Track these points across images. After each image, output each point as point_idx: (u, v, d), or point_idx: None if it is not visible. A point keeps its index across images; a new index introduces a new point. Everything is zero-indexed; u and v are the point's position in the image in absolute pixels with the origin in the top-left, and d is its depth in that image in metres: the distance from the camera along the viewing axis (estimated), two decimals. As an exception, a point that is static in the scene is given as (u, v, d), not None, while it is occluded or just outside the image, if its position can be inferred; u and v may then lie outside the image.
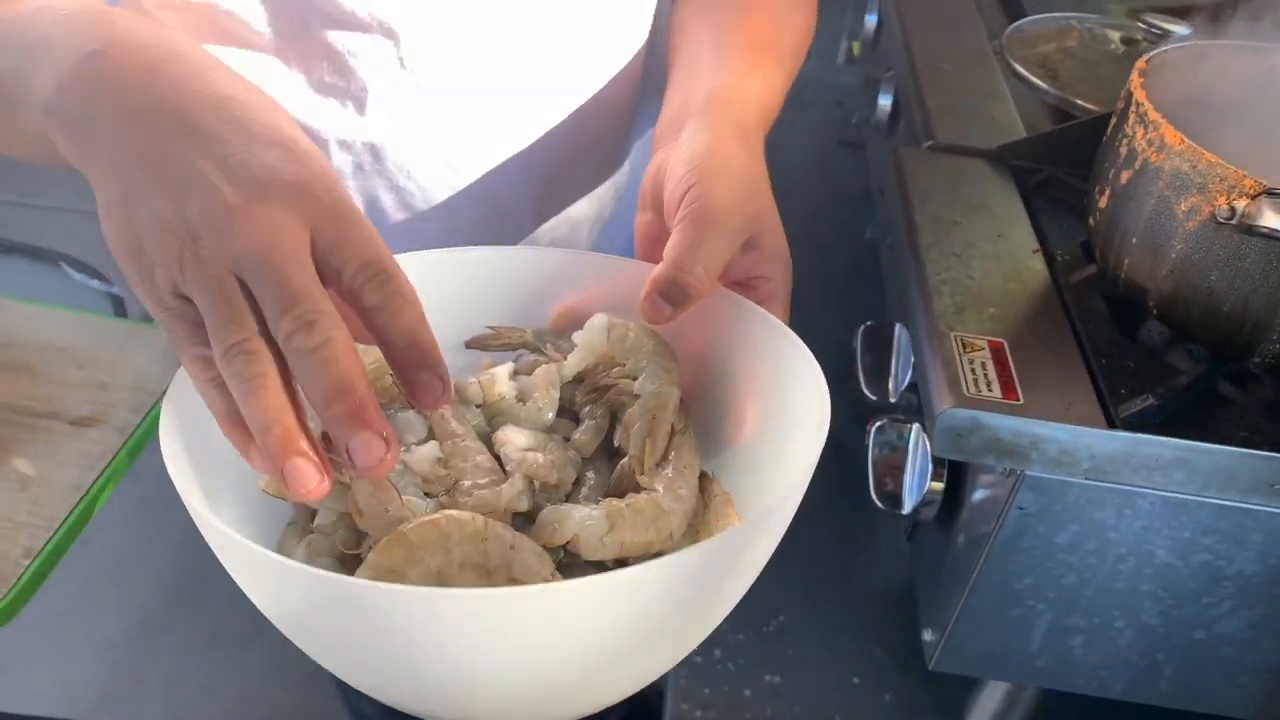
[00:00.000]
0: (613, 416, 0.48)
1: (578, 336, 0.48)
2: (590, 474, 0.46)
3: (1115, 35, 1.00)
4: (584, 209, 0.71)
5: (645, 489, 0.43)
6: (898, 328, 0.80)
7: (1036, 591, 0.69)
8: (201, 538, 0.41)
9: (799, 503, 0.39)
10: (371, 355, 0.47)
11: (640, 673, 0.40)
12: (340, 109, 0.60)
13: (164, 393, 0.95)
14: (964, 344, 0.65)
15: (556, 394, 0.48)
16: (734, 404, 0.48)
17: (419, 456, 0.43)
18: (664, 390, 0.46)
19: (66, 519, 0.80)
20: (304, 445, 0.35)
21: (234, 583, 0.43)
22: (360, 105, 0.60)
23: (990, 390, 0.62)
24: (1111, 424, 0.61)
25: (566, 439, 0.47)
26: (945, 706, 0.89)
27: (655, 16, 0.68)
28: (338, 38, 0.57)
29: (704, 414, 0.49)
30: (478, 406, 0.48)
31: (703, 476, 0.45)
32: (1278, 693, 0.72)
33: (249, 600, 0.45)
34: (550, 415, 0.47)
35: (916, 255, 0.73)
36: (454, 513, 0.39)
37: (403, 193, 0.64)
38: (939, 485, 0.70)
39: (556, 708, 0.40)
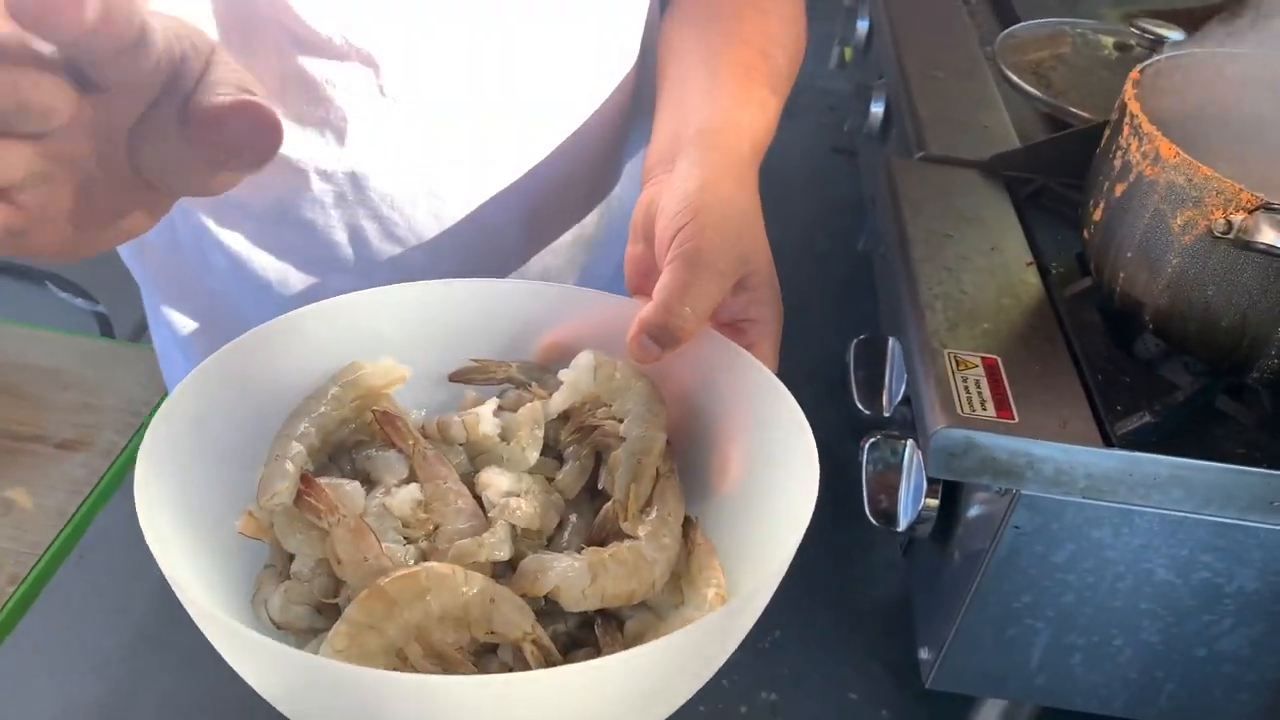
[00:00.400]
0: (597, 456, 0.47)
1: (564, 374, 0.47)
2: (573, 516, 0.45)
3: (1108, 41, 0.99)
4: (573, 232, 0.70)
5: (629, 536, 0.42)
6: (891, 341, 0.79)
7: (1034, 610, 0.68)
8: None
9: (772, 593, 0.38)
10: (353, 391, 0.46)
11: None
12: (320, 139, 0.58)
13: (150, 414, 0.94)
14: (957, 362, 0.64)
15: (540, 434, 0.47)
16: (718, 449, 0.47)
17: (399, 499, 0.42)
18: (650, 434, 0.45)
19: (51, 545, 0.80)
20: None
21: None
22: (340, 135, 0.58)
23: (985, 409, 0.61)
24: (1108, 442, 0.60)
25: (550, 479, 0.46)
26: (943, 722, 0.88)
27: (646, 29, 0.66)
28: (315, 67, 0.56)
29: (688, 456, 0.48)
30: (460, 445, 0.47)
31: (686, 522, 0.44)
32: (1279, 709, 0.71)
33: None
34: (534, 455, 0.46)
35: (909, 270, 0.72)
36: (434, 565, 0.38)
37: (386, 222, 0.62)
38: (934, 502, 0.69)
39: None
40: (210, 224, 0.64)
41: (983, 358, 0.65)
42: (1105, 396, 0.63)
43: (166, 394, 1.02)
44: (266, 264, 0.65)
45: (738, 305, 0.48)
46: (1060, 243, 0.78)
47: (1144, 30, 0.93)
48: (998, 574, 0.66)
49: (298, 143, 0.59)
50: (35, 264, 1.27)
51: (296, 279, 0.66)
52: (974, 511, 0.68)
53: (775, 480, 0.43)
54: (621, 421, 0.46)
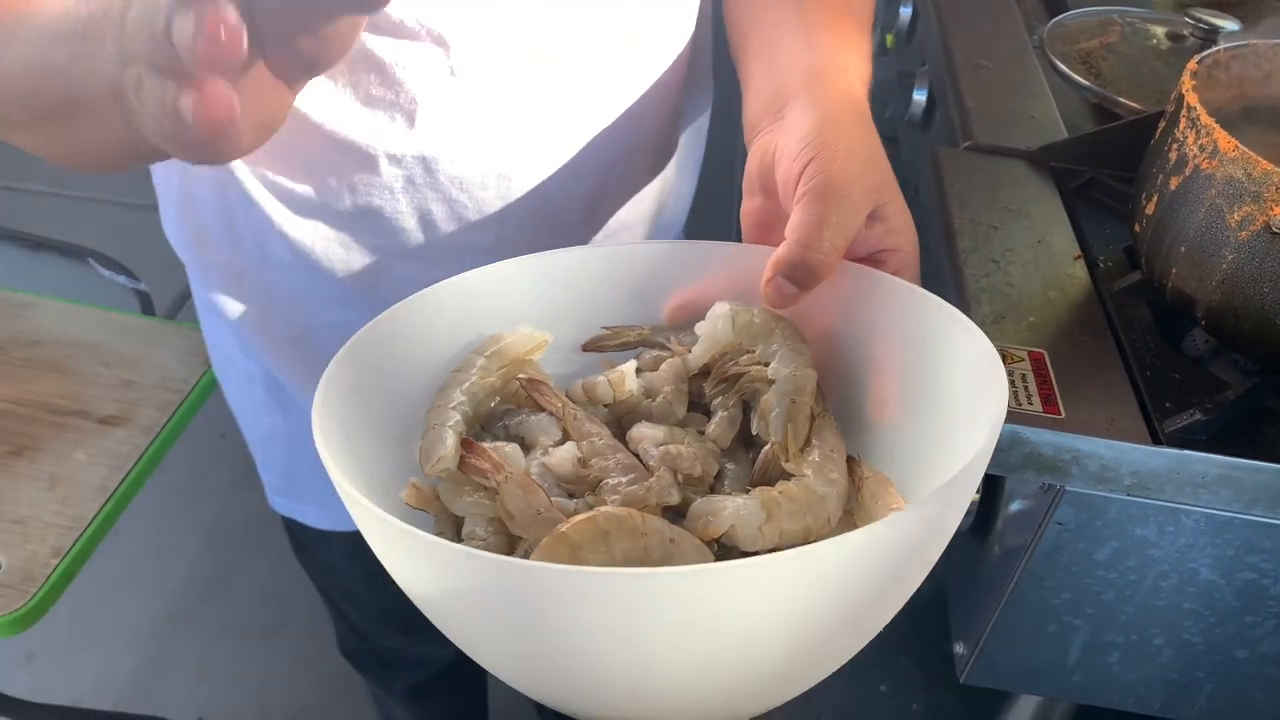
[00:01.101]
0: (745, 406, 0.46)
1: (700, 327, 0.46)
2: (730, 465, 0.44)
3: (1160, 30, 0.97)
4: (631, 208, 0.70)
5: (794, 475, 0.41)
6: (932, 333, 0.78)
7: (1074, 607, 0.67)
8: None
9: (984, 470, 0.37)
10: (499, 361, 0.46)
11: (818, 664, 0.38)
12: (390, 123, 0.58)
13: (190, 391, 0.96)
14: (1003, 355, 0.63)
15: (685, 388, 0.46)
16: (873, 384, 0.46)
17: (558, 458, 0.42)
18: (800, 372, 0.43)
19: (94, 519, 0.81)
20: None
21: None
22: (410, 118, 0.58)
23: (1031, 404, 0.60)
24: (1156, 440, 0.59)
25: (700, 433, 0.45)
26: (974, 717, 0.88)
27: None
28: (385, 49, 0.55)
29: (840, 398, 0.46)
30: (605, 406, 0.46)
31: (849, 460, 0.43)
32: (1322, 713, 0.70)
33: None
34: (681, 410, 0.45)
35: (954, 261, 0.71)
36: (610, 509, 0.37)
37: (455, 204, 0.62)
38: (975, 496, 0.68)
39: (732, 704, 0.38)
40: (274, 217, 0.64)
41: (1029, 351, 0.64)
42: (1154, 393, 0.62)
43: (208, 372, 1.04)
44: (332, 255, 0.65)
45: (873, 238, 0.47)
46: (1109, 236, 0.76)
47: (1198, 20, 0.91)
48: (1038, 570, 0.66)
49: (367, 127, 0.59)
50: (78, 236, 1.28)
51: (362, 267, 0.66)
52: (1015, 506, 0.67)
53: (952, 394, 0.41)
54: (767, 365, 0.44)
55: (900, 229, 0.47)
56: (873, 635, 0.38)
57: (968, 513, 0.68)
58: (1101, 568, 0.65)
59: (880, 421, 0.46)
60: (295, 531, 0.94)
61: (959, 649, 0.74)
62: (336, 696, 1.47)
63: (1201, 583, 0.65)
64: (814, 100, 0.49)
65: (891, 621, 1.06)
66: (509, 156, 0.61)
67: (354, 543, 0.94)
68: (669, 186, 0.73)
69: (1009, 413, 0.60)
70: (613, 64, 0.62)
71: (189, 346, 0.96)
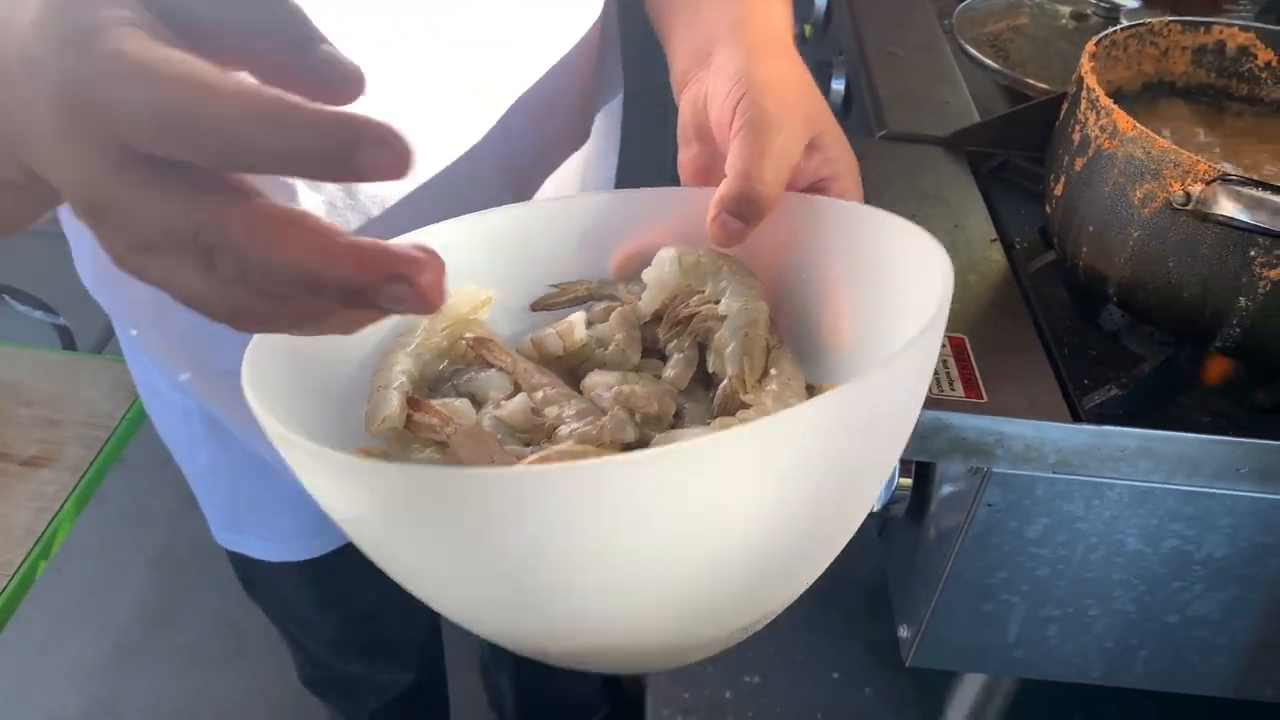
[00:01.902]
0: (701, 349, 0.45)
1: (647, 274, 0.45)
2: (689, 404, 0.43)
3: (1065, 11, 0.99)
4: (555, 189, 0.70)
5: (754, 405, 0.40)
6: (860, 322, 0.79)
7: (1009, 585, 0.69)
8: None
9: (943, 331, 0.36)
10: (443, 321, 0.44)
11: (791, 574, 0.36)
12: None
13: (117, 426, 0.93)
14: (924, 343, 0.64)
15: (638, 334, 0.45)
16: (828, 308, 0.45)
17: (510, 410, 0.41)
18: (752, 305, 0.42)
19: (21, 565, 0.79)
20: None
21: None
22: None
23: (953, 389, 0.61)
24: (1076, 417, 0.61)
25: (657, 377, 0.44)
26: (926, 697, 0.89)
27: None
28: None
29: (795, 329, 0.45)
30: (558, 359, 0.45)
31: (809, 388, 0.42)
32: (1251, 670, 0.72)
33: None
34: (635, 356, 0.44)
35: (874, 252, 0.72)
36: (563, 447, 0.36)
37: (378, 223, 0.62)
38: (907, 482, 0.69)
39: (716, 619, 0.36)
40: None
41: (949, 337, 0.65)
42: (1072, 371, 0.64)
43: (135, 404, 1.02)
44: None
45: (812, 168, 0.46)
46: (1024, 217, 0.78)
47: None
48: (972, 551, 0.67)
49: None
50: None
51: None
52: (947, 490, 0.68)
53: (904, 300, 0.40)
54: (718, 303, 0.43)
55: (839, 156, 0.47)
56: (860, 516, 0.37)
57: (900, 500, 0.69)
58: (1033, 545, 0.66)
59: (838, 344, 0.45)
60: (242, 565, 0.93)
61: (903, 633, 0.75)
62: (294, 722, 1.45)
63: (1129, 553, 0.66)
64: (740, 43, 0.48)
65: (843, 610, 1.06)
66: (428, 163, 0.61)
67: (301, 572, 0.93)
68: (590, 171, 0.73)
69: (931, 399, 0.61)
70: (524, 51, 0.61)
71: (113, 380, 0.93)
